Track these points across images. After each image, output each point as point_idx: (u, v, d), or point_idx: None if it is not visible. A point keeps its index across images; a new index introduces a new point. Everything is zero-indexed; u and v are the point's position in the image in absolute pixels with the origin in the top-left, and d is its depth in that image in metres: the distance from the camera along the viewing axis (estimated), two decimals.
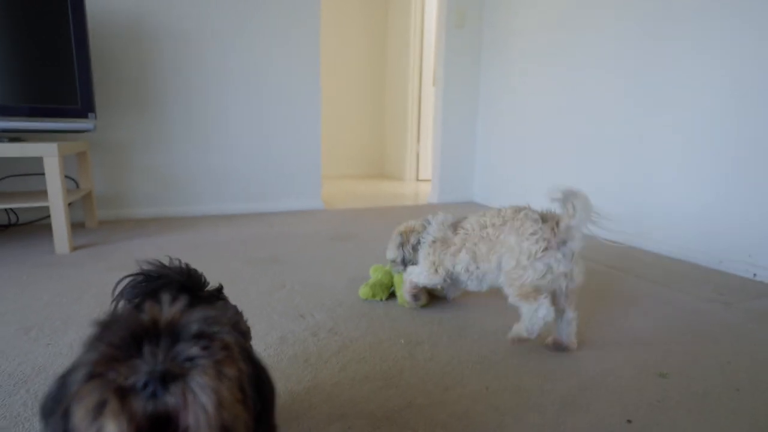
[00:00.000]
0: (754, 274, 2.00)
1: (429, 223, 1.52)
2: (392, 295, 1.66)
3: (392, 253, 1.58)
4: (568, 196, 1.13)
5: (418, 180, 5.34)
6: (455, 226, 1.40)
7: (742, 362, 1.26)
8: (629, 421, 0.99)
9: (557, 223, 1.15)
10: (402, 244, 1.55)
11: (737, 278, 2.01)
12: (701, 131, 2.19)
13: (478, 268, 1.31)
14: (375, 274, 1.70)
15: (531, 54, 3.24)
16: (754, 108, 1.99)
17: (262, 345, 1.28)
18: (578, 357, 1.26)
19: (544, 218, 1.20)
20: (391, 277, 1.66)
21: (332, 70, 5.36)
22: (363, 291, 1.64)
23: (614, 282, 1.92)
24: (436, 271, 1.41)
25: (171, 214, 3.05)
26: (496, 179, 3.69)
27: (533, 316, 1.15)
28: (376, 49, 5.58)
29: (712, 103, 2.14)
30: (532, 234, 1.15)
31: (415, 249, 1.53)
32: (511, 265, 1.17)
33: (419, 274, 1.47)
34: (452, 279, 1.42)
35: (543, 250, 1.13)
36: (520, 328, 1.19)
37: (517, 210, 1.25)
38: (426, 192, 4.40)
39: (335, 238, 2.55)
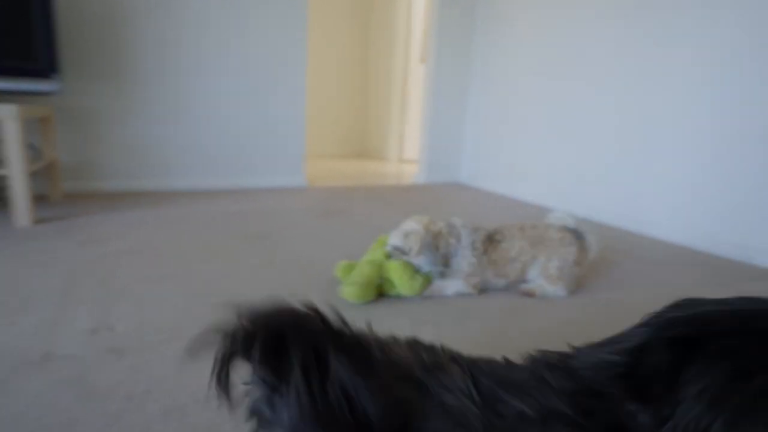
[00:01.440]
0: (750, 257, 1.99)
1: (456, 230, 1.46)
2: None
3: (408, 243, 1.42)
4: (583, 233, 1.57)
5: (401, 160, 5.24)
6: (491, 239, 1.49)
7: None
8: None
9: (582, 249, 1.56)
10: (430, 246, 1.42)
11: (732, 262, 2.00)
12: (693, 117, 2.16)
13: (516, 279, 1.52)
14: (360, 269, 1.41)
15: (526, 33, 3.14)
16: (738, 96, 1.95)
17: None
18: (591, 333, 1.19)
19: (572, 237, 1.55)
20: (380, 272, 1.42)
21: (314, 46, 5.16)
22: (351, 291, 1.34)
23: (611, 265, 1.87)
24: (473, 286, 1.46)
25: (144, 188, 2.86)
26: (486, 161, 3.62)
27: (552, 291, 1.48)
28: (360, 25, 5.39)
29: (706, 87, 2.10)
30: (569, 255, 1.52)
31: (445, 258, 1.44)
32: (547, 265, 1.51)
33: (454, 289, 1.45)
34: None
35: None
36: (541, 290, 1.48)
37: (551, 229, 1.55)
38: (411, 172, 4.31)
39: (323, 215, 2.44)
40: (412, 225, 1.43)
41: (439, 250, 1.42)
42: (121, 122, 2.75)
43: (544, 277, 1.46)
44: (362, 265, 1.42)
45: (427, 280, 1.44)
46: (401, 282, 1.39)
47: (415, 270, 1.42)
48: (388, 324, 1.23)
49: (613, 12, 2.53)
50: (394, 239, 1.45)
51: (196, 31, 2.82)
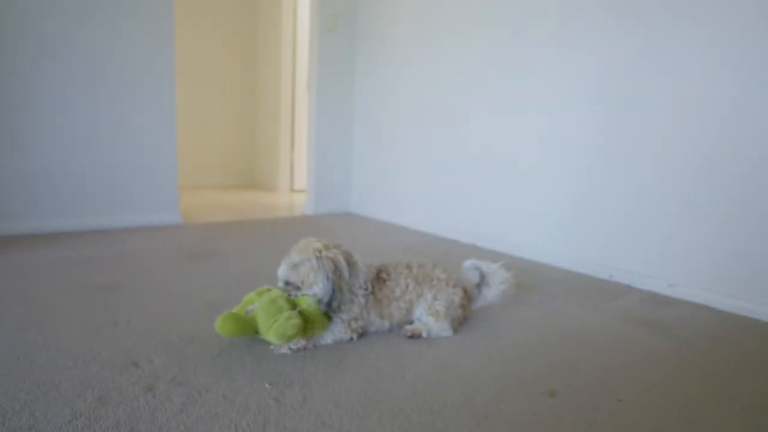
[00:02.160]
0: (611, 275, 2.15)
1: (356, 265, 1.34)
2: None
3: (299, 275, 1.28)
4: (489, 279, 1.59)
5: (293, 190, 5.06)
6: (378, 278, 1.41)
7: (618, 368, 1.27)
8: None
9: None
10: (328, 274, 1.25)
11: (597, 280, 2.14)
12: (563, 136, 2.33)
13: (401, 319, 1.44)
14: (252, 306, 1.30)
15: (406, 58, 3.22)
16: (613, 116, 2.15)
17: (67, 412, 0.92)
18: (471, 379, 1.14)
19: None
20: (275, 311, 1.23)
21: (197, 73, 4.83)
22: (224, 325, 1.21)
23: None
24: (353, 330, 1.34)
25: None
26: (373, 190, 3.60)
27: (439, 330, 1.42)
28: (246, 52, 5.18)
29: (578, 105, 2.29)
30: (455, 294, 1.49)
31: (342, 291, 1.29)
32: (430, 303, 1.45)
33: (334, 337, 1.32)
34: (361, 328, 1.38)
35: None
36: (427, 329, 1.41)
37: (438, 269, 1.51)
38: (301, 203, 4.15)
39: (192, 257, 2.18)
40: (301, 254, 1.29)
41: (342, 278, 1.28)
42: None
43: (430, 314, 1.39)
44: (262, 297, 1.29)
45: (320, 321, 1.27)
46: (263, 325, 1.20)
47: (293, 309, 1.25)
48: (244, 392, 1.06)
49: (496, 30, 2.64)
50: (282, 272, 1.31)
51: (45, 49, 2.43)
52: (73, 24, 2.51)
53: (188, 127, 4.75)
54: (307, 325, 1.23)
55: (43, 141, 2.51)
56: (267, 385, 1.07)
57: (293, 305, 1.25)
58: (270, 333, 1.17)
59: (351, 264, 1.31)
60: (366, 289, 1.34)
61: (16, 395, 0.98)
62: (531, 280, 2.07)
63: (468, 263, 1.59)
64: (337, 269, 1.28)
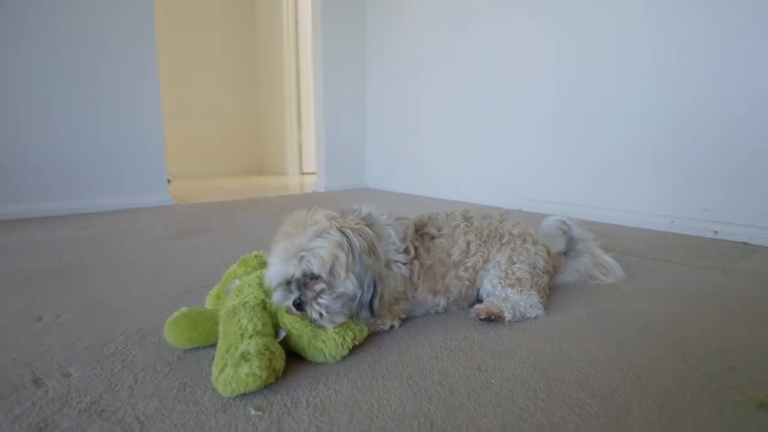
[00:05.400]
0: (715, 232, 1.64)
1: (378, 223, 0.84)
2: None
3: (325, 263, 0.72)
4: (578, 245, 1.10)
5: (302, 173, 4.60)
6: (420, 235, 0.91)
7: None
8: None
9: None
10: (365, 256, 0.74)
11: (698, 239, 1.63)
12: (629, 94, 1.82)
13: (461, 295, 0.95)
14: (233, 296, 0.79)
15: (425, 19, 2.72)
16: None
17: None
18: (604, 386, 0.66)
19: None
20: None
21: (196, 60, 4.38)
22: (175, 330, 0.75)
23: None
24: (394, 313, 0.86)
25: None
26: (394, 161, 3.11)
27: (527, 307, 0.92)
28: (245, 32, 4.72)
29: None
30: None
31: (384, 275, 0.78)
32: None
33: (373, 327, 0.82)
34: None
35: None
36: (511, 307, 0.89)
37: (507, 222, 1.03)
38: (308, 183, 3.69)
39: (176, 236, 1.73)
40: (305, 232, 0.74)
41: (375, 253, 0.78)
42: None
43: (509, 284, 0.91)
44: (226, 313, 0.75)
45: (323, 337, 0.73)
46: (217, 351, 0.68)
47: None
48: (211, 426, 0.60)
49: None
50: (279, 271, 0.73)
51: (20, 23, 2.00)
52: (56, 4, 2.07)
53: (190, 116, 4.33)
54: (302, 347, 0.73)
55: (23, 123, 2.08)
56: (252, 412, 0.61)
57: (270, 322, 0.73)
58: (216, 380, 0.63)
59: (379, 230, 0.83)
60: (407, 253, 0.86)
61: None
62: (616, 242, 1.58)
63: (551, 221, 1.10)
64: (372, 248, 0.77)
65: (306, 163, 4.60)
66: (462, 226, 0.94)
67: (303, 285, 0.73)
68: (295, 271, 0.72)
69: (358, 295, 0.74)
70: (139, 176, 2.44)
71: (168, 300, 1.04)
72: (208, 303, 0.91)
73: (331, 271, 0.72)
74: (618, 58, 1.85)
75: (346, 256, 0.73)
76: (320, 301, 0.72)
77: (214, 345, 0.77)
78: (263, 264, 0.89)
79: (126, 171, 2.40)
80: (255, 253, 0.93)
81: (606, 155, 1.93)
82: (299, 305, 0.72)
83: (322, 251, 0.72)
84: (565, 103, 2.06)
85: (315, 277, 0.73)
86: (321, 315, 0.72)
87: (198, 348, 0.78)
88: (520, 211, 2.23)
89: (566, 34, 2.02)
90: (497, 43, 2.32)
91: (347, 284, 0.73)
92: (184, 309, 0.78)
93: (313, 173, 4.46)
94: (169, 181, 2.62)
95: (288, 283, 0.73)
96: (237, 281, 0.86)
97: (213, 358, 0.73)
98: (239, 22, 4.71)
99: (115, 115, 2.34)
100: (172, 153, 2.53)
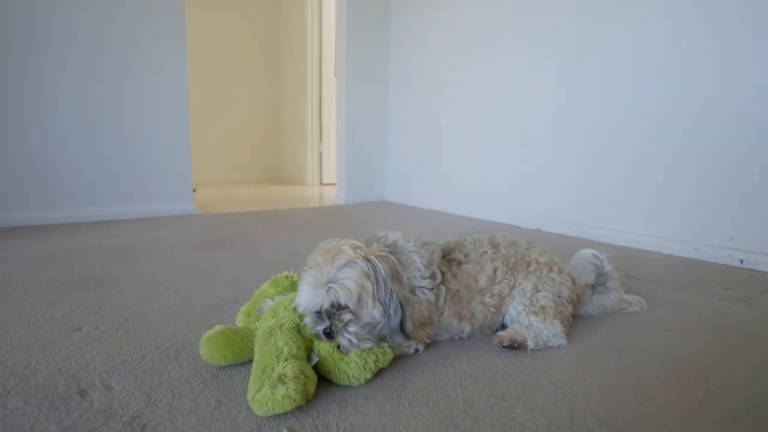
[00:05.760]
0: (741, 261, 1.62)
1: (403, 251, 0.87)
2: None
3: (350, 292, 0.75)
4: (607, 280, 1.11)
5: (322, 184, 4.66)
6: (448, 260, 0.93)
7: None
8: None
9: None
10: (389, 284, 0.77)
11: (723, 267, 1.62)
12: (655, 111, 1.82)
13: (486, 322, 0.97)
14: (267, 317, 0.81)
15: (447, 32, 2.76)
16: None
17: None
18: (634, 424, 0.67)
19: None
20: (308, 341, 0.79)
21: (220, 67, 4.50)
22: (211, 347, 0.79)
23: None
24: (420, 337, 0.88)
25: None
26: (413, 176, 3.14)
27: (550, 336, 0.93)
28: (270, 42, 4.83)
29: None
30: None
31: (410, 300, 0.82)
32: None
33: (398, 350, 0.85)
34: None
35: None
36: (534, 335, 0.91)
37: (534, 249, 1.04)
38: (331, 194, 3.74)
39: (203, 247, 1.78)
40: (334, 261, 0.77)
41: (401, 280, 0.81)
42: None
43: (532, 311, 0.93)
44: (260, 334, 0.78)
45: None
46: (253, 371, 0.71)
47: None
48: None
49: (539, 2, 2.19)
50: (309, 299, 0.76)
51: (43, 32, 2.10)
52: (77, 13, 2.18)
53: (211, 123, 4.43)
54: (328, 370, 0.76)
55: (47, 131, 2.18)
56: (284, 431, 0.63)
57: (304, 346, 0.75)
58: (252, 399, 0.66)
59: (404, 257, 0.86)
60: (433, 278, 0.88)
61: None
62: (639, 267, 1.57)
63: (584, 254, 1.12)
64: (396, 275, 0.81)
65: (326, 174, 4.66)
66: (489, 252, 0.96)
67: (332, 315, 0.76)
68: (323, 301, 0.76)
69: (386, 322, 0.77)
70: (166, 185, 2.52)
71: (198, 314, 1.08)
72: (239, 320, 0.94)
73: (359, 301, 0.76)
74: (647, 80, 1.86)
75: (372, 284, 0.77)
76: (349, 329, 0.75)
77: (245, 363, 0.81)
78: (293, 285, 0.93)
79: (153, 179, 2.48)
80: (285, 273, 0.96)
81: (631, 178, 1.93)
82: (329, 333, 0.75)
83: (348, 282, 0.75)
84: (592, 124, 2.06)
85: (342, 307, 0.76)
86: (350, 342, 0.75)
87: (230, 366, 0.82)
88: (538, 231, 2.24)
89: (595, 53, 2.03)
90: (522, 58, 2.34)
91: (374, 312, 0.76)
92: (219, 327, 0.82)
93: (333, 184, 4.51)
94: (194, 190, 2.69)
95: (318, 312, 0.77)
96: (269, 301, 0.90)
97: (246, 377, 0.76)
98: (263, 32, 4.83)
99: (144, 123, 2.43)
100: (194, 161, 2.62)
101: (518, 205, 2.41)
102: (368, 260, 0.78)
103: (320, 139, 4.62)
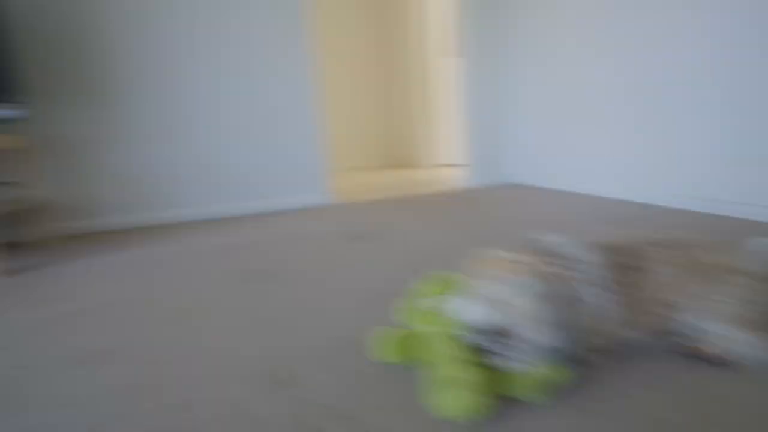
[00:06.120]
0: None
1: (569, 257, 0.83)
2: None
3: (514, 315, 0.75)
4: None
5: (435, 166, 4.65)
6: (621, 266, 0.85)
7: None
8: None
9: None
10: (557, 302, 0.76)
11: None
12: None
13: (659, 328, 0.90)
14: (435, 347, 0.80)
15: (581, 11, 2.52)
16: None
17: None
18: None
19: None
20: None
21: (333, 56, 4.71)
22: (385, 349, 0.85)
23: None
24: (590, 347, 0.83)
25: (141, 222, 2.46)
26: (547, 156, 2.97)
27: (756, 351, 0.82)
28: (381, 29, 4.91)
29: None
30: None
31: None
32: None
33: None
34: None
35: None
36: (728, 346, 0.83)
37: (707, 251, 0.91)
38: (449, 177, 3.72)
39: (349, 238, 1.91)
40: (511, 276, 0.76)
41: (575, 302, 0.78)
42: (115, 153, 2.38)
43: (722, 321, 0.84)
44: (433, 339, 0.81)
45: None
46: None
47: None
48: None
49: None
50: (479, 314, 0.76)
51: (182, 39, 2.42)
52: (215, 38, 2.48)
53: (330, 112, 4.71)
54: (502, 385, 0.74)
55: (198, 136, 2.51)
56: None
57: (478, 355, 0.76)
58: (432, 401, 0.71)
59: (571, 264, 0.81)
60: (602, 286, 0.83)
61: (146, 421, 0.74)
62: None
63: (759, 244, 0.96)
64: (568, 295, 0.77)
65: (438, 155, 4.62)
66: (663, 256, 0.88)
67: (497, 333, 0.76)
68: (489, 319, 0.76)
69: (555, 344, 0.75)
70: (301, 177, 2.75)
71: (363, 308, 1.15)
72: (402, 318, 1.00)
73: (525, 322, 0.74)
74: None
75: (541, 305, 0.75)
76: (514, 349, 0.74)
77: (416, 364, 0.85)
78: (452, 285, 0.95)
79: (287, 172, 2.72)
80: (443, 273, 0.99)
81: None
82: (492, 352, 0.76)
83: (517, 301, 0.74)
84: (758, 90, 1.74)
85: (509, 328, 0.75)
86: (516, 361, 0.74)
87: (409, 365, 0.86)
88: (686, 211, 1.98)
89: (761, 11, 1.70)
90: (664, 25, 2.05)
91: (541, 334, 0.74)
92: (392, 328, 0.87)
93: (447, 165, 4.48)
94: None
95: (488, 329, 0.77)
96: (430, 300, 0.93)
97: (422, 378, 0.81)
98: (377, 21, 4.91)
99: (279, 120, 2.67)
100: None
101: (660, 182, 2.15)
102: (545, 279, 0.76)
103: (431, 122, 4.59)
